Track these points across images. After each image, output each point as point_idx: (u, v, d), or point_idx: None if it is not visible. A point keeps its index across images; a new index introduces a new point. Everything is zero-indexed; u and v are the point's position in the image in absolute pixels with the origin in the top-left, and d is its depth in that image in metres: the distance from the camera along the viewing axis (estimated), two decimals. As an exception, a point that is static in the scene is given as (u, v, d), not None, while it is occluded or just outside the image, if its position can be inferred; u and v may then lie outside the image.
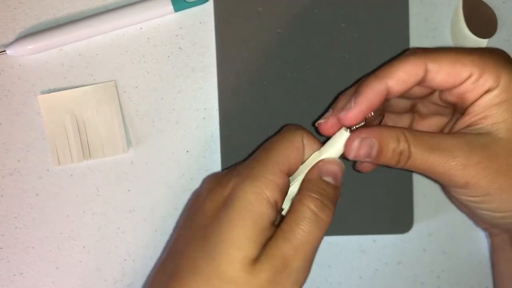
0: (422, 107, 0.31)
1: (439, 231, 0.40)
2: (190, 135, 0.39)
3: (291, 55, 0.38)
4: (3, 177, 0.39)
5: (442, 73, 0.26)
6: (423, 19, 0.39)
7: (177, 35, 0.39)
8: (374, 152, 0.26)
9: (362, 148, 0.26)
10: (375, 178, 0.38)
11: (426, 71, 0.26)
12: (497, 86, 0.25)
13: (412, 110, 0.32)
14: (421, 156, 0.26)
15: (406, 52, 0.28)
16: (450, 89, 0.27)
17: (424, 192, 0.40)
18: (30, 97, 0.39)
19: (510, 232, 0.31)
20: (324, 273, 0.40)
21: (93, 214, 0.39)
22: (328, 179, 0.27)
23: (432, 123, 0.31)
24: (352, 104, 0.27)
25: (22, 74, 0.39)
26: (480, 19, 0.39)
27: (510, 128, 0.25)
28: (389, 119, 0.33)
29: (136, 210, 0.39)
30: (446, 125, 0.31)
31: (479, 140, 0.25)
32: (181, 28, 0.39)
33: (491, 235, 0.35)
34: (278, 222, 0.27)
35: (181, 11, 0.39)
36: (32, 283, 0.40)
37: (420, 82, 0.27)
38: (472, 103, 0.26)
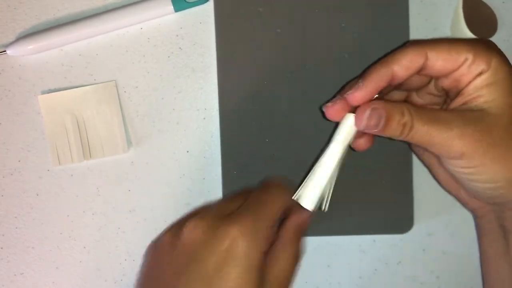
0: (416, 98, 0.34)
1: (439, 231, 0.40)
2: (191, 135, 0.39)
3: (291, 55, 0.38)
4: (3, 177, 0.39)
5: (440, 59, 0.29)
6: (423, 19, 0.39)
7: (177, 35, 0.39)
8: (382, 122, 0.29)
9: (372, 118, 0.29)
10: (375, 178, 0.38)
11: (426, 59, 0.29)
12: (488, 69, 0.28)
13: (406, 100, 0.34)
14: (422, 127, 0.28)
15: (407, 44, 0.31)
16: (448, 74, 0.29)
17: (424, 192, 0.40)
18: (30, 97, 0.39)
19: (498, 206, 0.32)
20: (324, 273, 0.40)
21: (93, 214, 0.39)
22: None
23: None
24: (360, 84, 0.30)
25: (23, 74, 0.39)
26: (480, 19, 0.39)
27: (499, 106, 0.28)
28: None
29: (136, 210, 0.39)
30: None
31: (473, 115, 0.28)
32: (181, 28, 0.39)
33: (477, 217, 0.36)
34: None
35: (181, 11, 0.39)
36: (32, 283, 0.40)
37: (421, 70, 0.30)
38: (466, 86, 0.29)
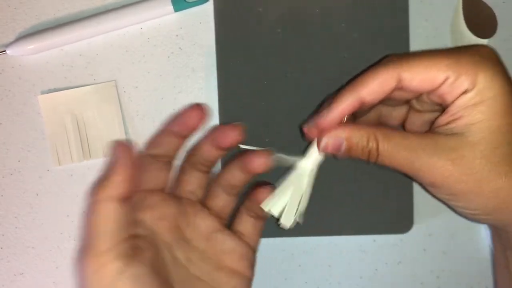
0: (416, 104, 0.32)
1: (439, 231, 0.40)
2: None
3: (291, 55, 0.38)
4: (3, 177, 0.39)
5: (416, 80, 0.27)
6: (423, 19, 0.39)
7: (177, 35, 0.39)
8: (343, 148, 0.28)
9: (330, 145, 0.29)
10: (375, 178, 0.38)
11: (400, 80, 0.27)
12: (473, 88, 0.26)
13: (407, 102, 0.33)
14: (388, 156, 0.27)
15: (382, 60, 0.29)
16: (428, 92, 0.28)
17: (424, 192, 0.40)
18: (30, 97, 0.39)
19: (489, 225, 0.32)
20: (324, 273, 0.40)
21: (93, 214, 0.39)
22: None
23: (425, 117, 0.32)
24: (326, 113, 0.29)
25: (23, 74, 0.39)
26: (480, 19, 0.39)
27: (481, 130, 0.26)
28: (386, 110, 0.33)
29: (136, 210, 0.39)
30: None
31: (447, 143, 0.26)
32: (181, 28, 0.39)
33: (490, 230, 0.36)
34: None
35: (181, 11, 0.39)
36: (33, 283, 0.40)
37: (397, 89, 0.28)
38: (451, 103, 0.27)
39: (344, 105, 0.28)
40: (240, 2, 0.38)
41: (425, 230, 0.40)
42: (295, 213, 0.31)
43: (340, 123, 0.29)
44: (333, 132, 0.29)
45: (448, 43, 0.39)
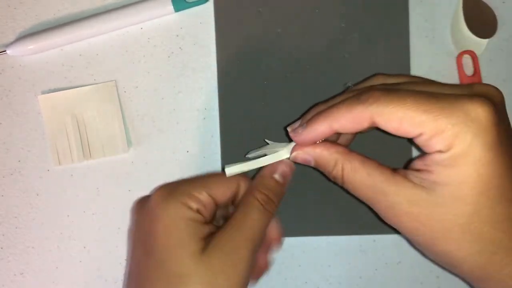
0: None
1: (439, 231, 0.40)
2: (190, 135, 0.39)
3: (291, 55, 0.38)
4: (3, 177, 0.39)
5: (390, 127, 0.26)
6: (423, 19, 0.39)
7: (177, 35, 0.39)
8: (312, 164, 0.30)
9: (299, 159, 0.30)
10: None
11: (374, 122, 0.26)
12: (447, 151, 0.24)
13: None
14: (352, 188, 0.28)
15: (365, 88, 0.28)
16: (404, 137, 0.26)
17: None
18: (30, 97, 0.39)
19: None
20: (324, 273, 0.40)
21: (93, 214, 0.39)
22: (277, 176, 0.31)
23: None
24: (300, 132, 0.29)
25: (23, 74, 0.39)
26: (480, 19, 0.39)
27: (445, 195, 0.25)
28: None
29: (136, 210, 0.39)
30: None
31: (411, 195, 0.25)
32: (181, 28, 0.39)
33: None
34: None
35: (181, 11, 0.39)
36: (33, 283, 0.40)
37: (372, 126, 0.27)
38: (428, 153, 0.25)
39: (317, 132, 0.28)
40: (240, 2, 0.38)
41: (425, 230, 0.40)
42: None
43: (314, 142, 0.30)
44: (305, 149, 0.30)
45: (448, 43, 0.39)
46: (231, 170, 0.32)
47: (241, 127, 0.38)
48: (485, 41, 0.39)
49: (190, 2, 0.38)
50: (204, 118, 0.39)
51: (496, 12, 0.39)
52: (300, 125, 0.30)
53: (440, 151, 0.24)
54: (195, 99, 0.39)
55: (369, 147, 0.38)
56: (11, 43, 0.38)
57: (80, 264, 0.39)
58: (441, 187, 0.25)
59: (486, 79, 0.39)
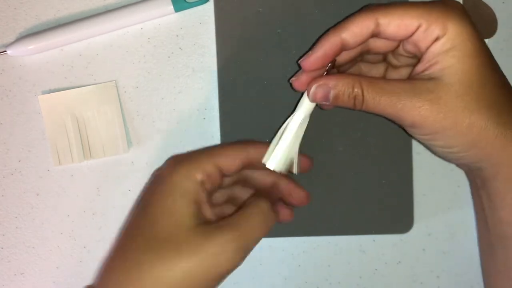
0: (392, 59, 0.34)
1: (439, 231, 0.40)
2: (191, 135, 0.39)
3: (291, 55, 0.38)
4: (3, 177, 0.39)
5: (392, 25, 0.29)
6: (423, 19, 0.39)
7: (177, 35, 0.39)
8: (331, 96, 0.31)
9: (318, 93, 0.31)
10: (376, 178, 0.38)
11: (378, 25, 0.29)
12: (444, 34, 0.28)
13: (385, 60, 0.35)
14: (373, 100, 0.30)
15: (362, 8, 0.31)
16: (403, 39, 0.30)
17: (424, 192, 0.40)
18: (30, 97, 0.39)
19: (465, 166, 0.34)
20: (324, 273, 0.40)
21: (93, 214, 0.39)
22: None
23: (402, 72, 0.34)
24: (309, 54, 0.31)
25: (23, 74, 0.39)
26: (480, 19, 0.39)
27: (454, 72, 0.28)
28: (365, 67, 0.35)
29: (137, 210, 0.39)
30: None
31: (425, 86, 0.29)
32: (181, 28, 0.39)
33: (466, 173, 0.37)
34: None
35: (181, 11, 0.39)
36: (33, 282, 0.40)
37: (375, 35, 0.30)
38: (425, 51, 0.29)
39: (326, 46, 0.31)
40: (240, 2, 0.38)
41: (425, 230, 0.40)
42: (294, 163, 0.33)
43: (328, 74, 0.32)
44: (321, 80, 0.31)
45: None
46: (272, 163, 0.33)
47: (241, 127, 0.38)
48: (485, 41, 0.39)
49: (190, 2, 0.38)
50: (204, 118, 0.39)
51: (496, 12, 0.39)
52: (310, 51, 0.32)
53: (437, 39, 0.29)
54: (195, 99, 0.39)
55: (369, 146, 0.38)
56: (12, 43, 0.38)
57: (81, 264, 0.39)
58: (449, 68, 0.28)
59: (486, 79, 0.39)
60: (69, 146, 0.39)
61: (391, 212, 0.38)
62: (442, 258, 0.40)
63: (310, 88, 0.31)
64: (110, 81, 0.39)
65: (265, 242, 0.40)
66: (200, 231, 0.29)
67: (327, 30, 0.32)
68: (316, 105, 0.33)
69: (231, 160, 0.32)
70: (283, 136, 0.33)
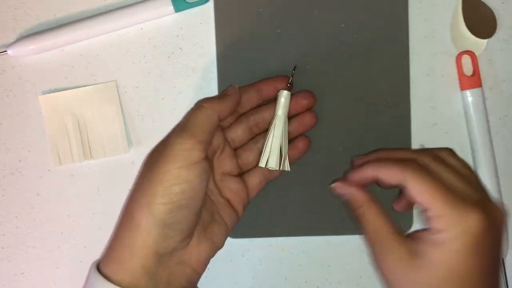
0: None
1: (439, 231, 0.40)
2: (191, 135, 0.39)
3: (291, 56, 0.38)
4: (4, 176, 0.39)
5: (411, 191, 0.31)
6: (422, 19, 0.39)
7: (177, 36, 0.39)
8: (344, 198, 0.35)
9: (338, 189, 0.35)
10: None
11: (402, 184, 0.32)
12: (439, 233, 0.30)
13: None
14: (366, 224, 0.33)
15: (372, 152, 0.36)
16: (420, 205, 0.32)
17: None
18: (31, 97, 0.39)
19: None
20: (324, 273, 0.40)
21: (94, 214, 0.39)
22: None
23: None
24: (349, 175, 0.35)
25: (23, 74, 0.39)
26: (480, 19, 0.39)
27: (426, 263, 0.30)
28: None
29: (137, 210, 0.39)
30: None
31: (405, 254, 0.31)
32: (181, 28, 0.39)
33: None
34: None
35: (181, 12, 0.39)
36: (33, 282, 0.40)
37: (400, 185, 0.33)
38: (425, 228, 0.31)
39: (365, 174, 0.34)
40: (240, 2, 0.38)
41: (425, 230, 0.40)
42: (280, 156, 0.36)
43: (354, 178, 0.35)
44: (346, 184, 0.35)
45: (448, 43, 0.39)
46: (275, 163, 0.35)
47: None
48: (484, 41, 0.39)
49: (190, 3, 0.38)
50: (204, 118, 0.39)
51: (496, 12, 0.39)
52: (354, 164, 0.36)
53: (435, 229, 0.30)
54: (195, 99, 0.39)
55: (368, 147, 0.38)
56: (12, 44, 0.38)
57: (81, 264, 0.39)
58: (425, 257, 0.30)
59: (485, 79, 0.39)
60: (70, 146, 0.39)
61: (390, 212, 0.38)
62: (442, 258, 0.40)
63: (334, 184, 0.35)
64: (111, 81, 0.39)
65: (265, 241, 0.40)
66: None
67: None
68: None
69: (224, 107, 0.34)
70: (273, 141, 0.36)
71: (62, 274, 0.40)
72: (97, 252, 0.39)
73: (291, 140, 0.37)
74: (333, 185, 0.35)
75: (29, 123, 0.39)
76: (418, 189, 0.31)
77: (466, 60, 0.39)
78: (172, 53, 0.39)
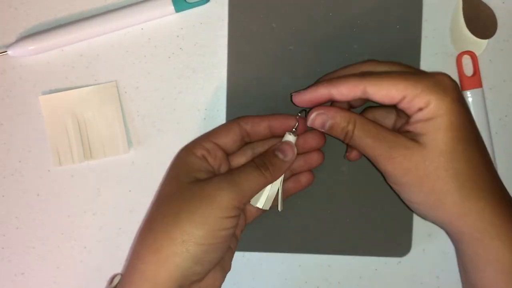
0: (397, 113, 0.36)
1: (439, 231, 0.40)
2: (191, 135, 0.39)
3: (302, 73, 0.38)
4: (4, 177, 0.39)
5: (378, 95, 0.32)
6: (423, 19, 0.39)
7: (178, 36, 0.39)
8: (327, 125, 0.33)
9: (317, 120, 0.34)
10: (377, 198, 0.39)
11: (365, 92, 0.32)
12: (426, 107, 0.31)
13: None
14: (359, 139, 0.33)
15: (362, 65, 0.34)
16: (391, 105, 0.33)
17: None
18: (31, 98, 0.39)
19: (438, 226, 0.35)
20: (324, 273, 0.40)
21: (94, 214, 0.39)
22: (278, 153, 0.35)
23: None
24: (302, 93, 0.34)
25: (24, 74, 0.39)
26: (480, 19, 0.39)
27: (430, 140, 0.31)
28: (379, 116, 0.37)
29: (137, 210, 0.39)
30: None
31: (404, 142, 0.32)
32: (182, 28, 0.39)
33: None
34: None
35: (182, 12, 0.39)
36: (33, 283, 0.40)
37: (364, 98, 0.33)
38: (411, 115, 0.32)
39: (316, 94, 0.34)
40: (254, 17, 0.38)
41: (425, 230, 0.40)
42: (273, 200, 0.36)
43: (330, 105, 0.35)
44: (322, 109, 0.34)
45: (448, 43, 0.39)
46: (259, 203, 0.35)
47: None
48: (485, 41, 0.39)
49: (191, 3, 0.38)
50: (204, 119, 0.39)
51: (496, 13, 0.39)
52: (303, 89, 0.35)
53: (420, 109, 0.31)
54: (195, 100, 0.39)
55: (372, 167, 0.38)
56: (12, 44, 0.38)
57: (81, 264, 0.39)
58: (425, 135, 0.31)
59: (486, 80, 0.39)
60: (70, 146, 0.39)
61: (390, 237, 0.39)
62: (442, 258, 0.40)
63: (310, 114, 0.34)
64: (111, 81, 0.39)
65: (265, 242, 0.40)
66: (198, 182, 0.33)
67: (322, 77, 0.35)
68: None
69: (227, 138, 0.35)
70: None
71: (62, 274, 0.40)
72: (97, 252, 0.39)
73: (294, 174, 0.37)
74: (310, 118, 0.34)
75: (29, 124, 0.39)
76: (385, 86, 0.32)
77: (467, 61, 0.39)
78: (173, 53, 0.39)
